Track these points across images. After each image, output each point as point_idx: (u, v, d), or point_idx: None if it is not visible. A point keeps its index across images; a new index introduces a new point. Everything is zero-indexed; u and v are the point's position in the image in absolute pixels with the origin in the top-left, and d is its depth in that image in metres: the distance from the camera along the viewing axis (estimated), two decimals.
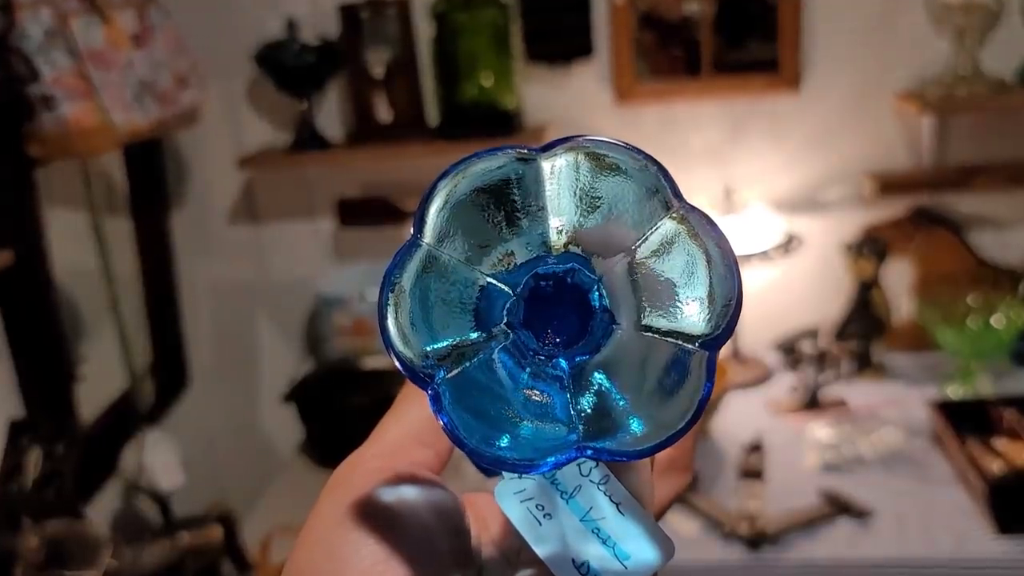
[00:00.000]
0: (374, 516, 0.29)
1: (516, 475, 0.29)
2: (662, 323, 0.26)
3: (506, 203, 0.27)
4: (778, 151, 2.02)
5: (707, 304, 0.26)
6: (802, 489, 1.59)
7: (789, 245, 1.94)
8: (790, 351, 1.91)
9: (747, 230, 1.94)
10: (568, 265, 0.27)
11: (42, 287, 1.47)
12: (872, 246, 1.93)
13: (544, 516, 0.29)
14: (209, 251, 2.17)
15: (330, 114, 2.07)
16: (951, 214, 2.01)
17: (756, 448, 1.69)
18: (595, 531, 0.28)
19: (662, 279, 0.27)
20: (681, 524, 1.53)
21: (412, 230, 0.26)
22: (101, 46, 1.49)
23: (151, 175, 1.93)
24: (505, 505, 0.29)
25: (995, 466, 1.53)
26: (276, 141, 2.08)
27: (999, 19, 1.85)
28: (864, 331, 1.95)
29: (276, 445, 2.21)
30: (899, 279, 2.01)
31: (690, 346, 0.26)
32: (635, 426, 0.26)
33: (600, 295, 0.27)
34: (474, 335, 0.26)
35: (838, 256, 1.99)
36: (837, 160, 2.01)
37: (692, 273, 0.27)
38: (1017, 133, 1.96)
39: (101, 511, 1.65)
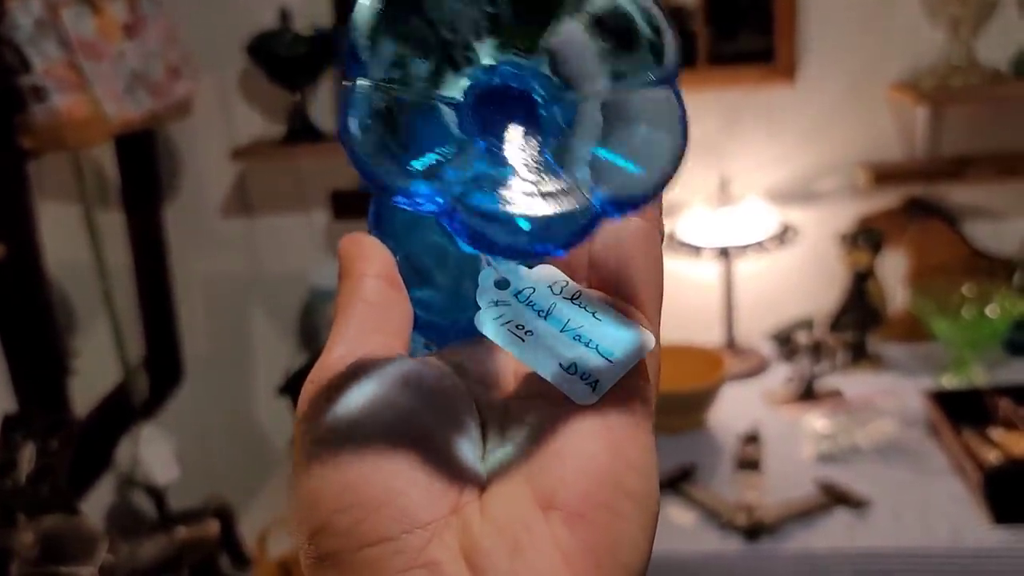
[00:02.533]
0: (363, 424, 0.28)
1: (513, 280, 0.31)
2: (623, 75, 0.28)
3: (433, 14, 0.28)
4: (773, 142, 2.02)
5: (655, 46, 0.28)
6: (799, 480, 1.59)
7: (784, 236, 1.94)
8: (786, 342, 1.91)
9: (742, 221, 1.93)
10: (497, 70, 0.28)
11: (34, 280, 1.46)
12: (867, 237, 1.93)
13: (526, 334, 0.30)
14: (202, 244, 2.16)
15: (324, 105, 2.05)
16: (945, 204, 2.01)
17: (753, 439, 1.70)
18: (576, 338, 0.30)
19: (607, 36, 0.28)
20: (679, 515, 1.53)
21: (348, 71, 0.27)
22: (92, 37, 1.48)
23: (144, 167, 1.91)
24: (488, 331, 0.30)
25: (991, 456, 1.54)
26: (269, 133, 2.07)
27: (994, 9, 1.85)
28: (859, 321, 1.95)
29: (271, 438, 2.20)
30: (894, 269, 2.01)
31: (656, 89, 0.28)
32: (632, 169, 0.28)
33: (536, 90, 0.28)
34: (447, 149, 0.27)
35: (833, 247, 1.99)
36: (832, 151, 2.01)
37: (631, 25, 0.28)
38: (1011, 123, 1.96)
39: (96, 505, 1.64)
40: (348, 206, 2.11)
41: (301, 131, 1.99)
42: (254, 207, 2.17)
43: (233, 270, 2.19)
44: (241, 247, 2.18)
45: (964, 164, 1.95)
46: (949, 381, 1.83)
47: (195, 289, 2.13)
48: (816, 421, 1.73)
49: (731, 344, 2.01)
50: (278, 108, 2.04)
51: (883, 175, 1.95)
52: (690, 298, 2.07)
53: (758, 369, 1.95)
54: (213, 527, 1.37)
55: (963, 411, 1.65)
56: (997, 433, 1.60)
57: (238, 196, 2.16)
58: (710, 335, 2.02)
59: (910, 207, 2.00)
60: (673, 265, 2.05)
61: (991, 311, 1.81)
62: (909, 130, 1.99)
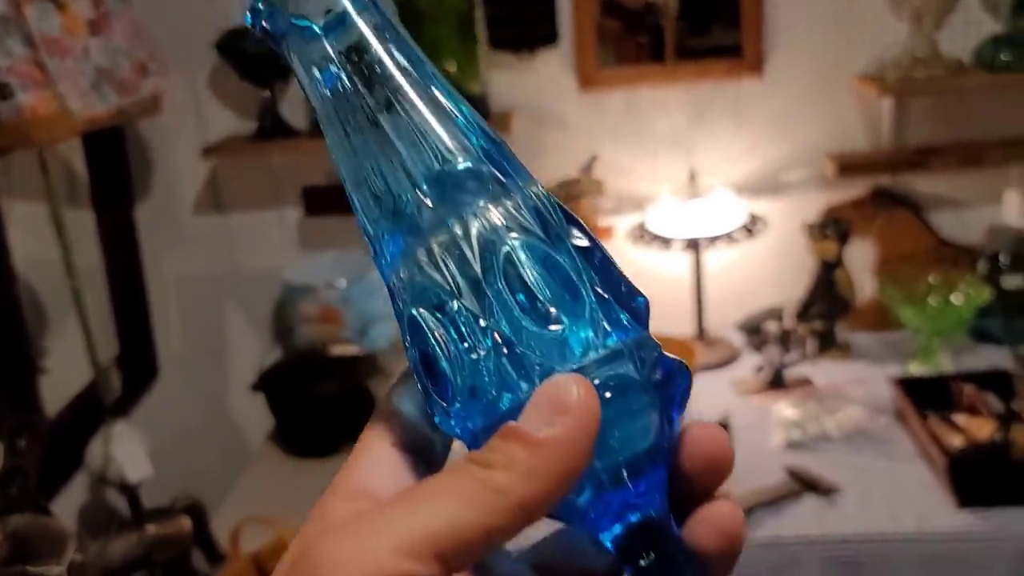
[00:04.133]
0: None
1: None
2: None
3: None
4: (741, 135, 2.04)
5: None
6: (768, 467, 1.61)
7: (753, 227, 1.96)
8: (755, 332, 1.92)
9: (712, 213, 1.95)
10: None
11: (2, 279, 1.45)
12: (834, 227, 1.95)
13: None
14: (175, 241, 2.15)
15: (294, 102, 2.05)
16: (911, 194, 2.04)
17: (723, 427, 1.71)
18: None
19: None
20: None
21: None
22: (57, 33, 1.47)
23: (113, 165, 1.91)
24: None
25: (956, 441, 1.56)
26: (240, 130, 2.06)
27: (956, 1, 1.87)
28: (827, 311, 1.97)
29: (246, 434, 2.20)
30: (861, 259, 2.04)
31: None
32: None
33: None
34: None
35: (801, 237, 2.01)
36: (799, 142, 2.03)
37: None
38: (974, 114, 1.98)
39: (69, 504, 1.63)
40: (320, 202, 2.11)
41: (272, 128, 1.99)
42: (226, 204, 2.17)
43: (206, 267, 2.19)
44: (214, 244, 2.18)
45: (929, 154, 1.97)
46: (916, 368, 1.85)
47: (168, 287, 2.13)
48: (785, 409, 1.74)
49: (701, 334, 2.03)
50: (249, 105, 2.04)
51: (849, 166, 1.98)
52: (660, 289, 2.08)
53: (728, 359, 1.97)
54: (185, 524, 1.37)
55: (929, 398, 1.67)
56: (961, 418, 1.62)
57: (210, 193, 2.16)
58: (680, 326, 2.04)
59: (876, 197, 2.03)
60: (643, 257, 2.07)
61: (956, 299, 1.84)
62: (875, 121, 2.01)
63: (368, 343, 1.96)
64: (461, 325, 0.29)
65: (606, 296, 0.30)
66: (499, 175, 0.31)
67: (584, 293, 0.30)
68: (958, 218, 2.04)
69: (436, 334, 0.29)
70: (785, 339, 1.86)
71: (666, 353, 0.31)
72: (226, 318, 2.24)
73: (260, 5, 0.31)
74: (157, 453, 1.70)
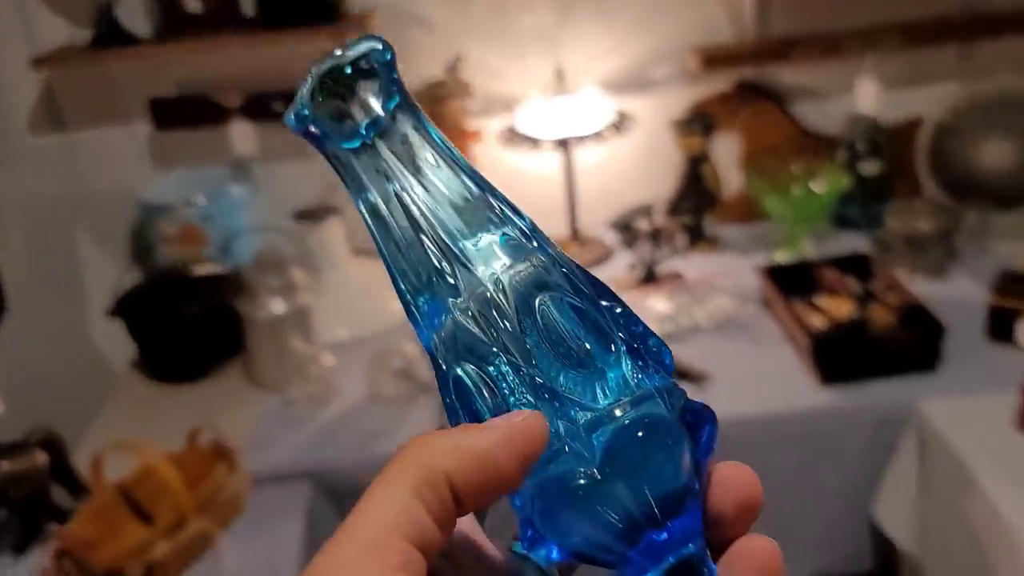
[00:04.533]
0: None
1: None
2: None
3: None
4: (606, 32, 2.01)
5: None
6: None
7: (621, 125, 1.95)
8: (627, 229, 1.93)
9: (580, 112, 1.93)
10: None
11: None
12: (700, 121, 1.96)
13: None
14: (11, 163, 1.99)
15: (133, 4, 1.90)
16: (775, 86, 2.06)
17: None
18: None
19: None
20: None
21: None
22: None
23: None
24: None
25: (818, 322, 1.61)
26: (75, 38, 1.90)
27: None
28: (696, 205, 2.00)
29: (108, 363, 2.10)
30: (727, 153, 2.06)
31: None
32: None
33: None
34: None
35: (668, 133, 2.02)
36: (664, 38, 2.01)
37: None
38: (833, 4, 2.00)
39: None
40: (171, 115, 1.99)
41: (109, 34, 1.84)
42: (67, 121, 2.02)
43: (50, 190, 2.04)
44: (56, 164, 2.03)
45: (790, 45, 1.99)
46: (781, 257, 1.90)
47: (10, 214, 1.98)
48: (658, 304, 1.77)
49: (575, 235, 2.03)
50: (82, 10, 1.88)
51: (713, 59, 1.98)
52: (532, 190, 2.06)
53: (602, 257, 1.98)
54: (40, 458, 1.29)
55: (794, 284, 1.72)
56: (822, 300, 1.67)
57: (47, 110, 2.00)
58: (554, 227, 2.03)
59: (741, 90, 2.04)
60: (513, 158, 2.04)
61: (818, 187, 1.88)
62: (737, 14, 2.01)
63: (231, 259, 1.88)
64: (504, 375, 0.32)
65: (635, 345, 0.33)
66: (529, 242, 0.34)
67: (615, 341, 0.32)
68: (819, 108, 2.07)
69: (480, 387, 0.32)
70: (656, 235, 1.88)
71: (692, 399, 0.33)
72: (77, 243, 2.11)
73: (306, 112, 0.33)
74: (11, 390, 1.60)
